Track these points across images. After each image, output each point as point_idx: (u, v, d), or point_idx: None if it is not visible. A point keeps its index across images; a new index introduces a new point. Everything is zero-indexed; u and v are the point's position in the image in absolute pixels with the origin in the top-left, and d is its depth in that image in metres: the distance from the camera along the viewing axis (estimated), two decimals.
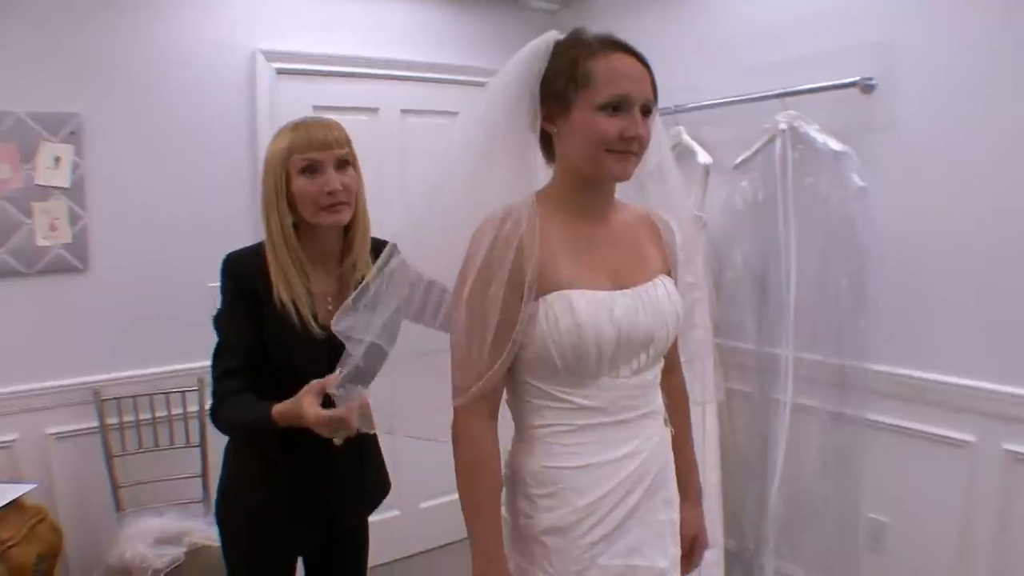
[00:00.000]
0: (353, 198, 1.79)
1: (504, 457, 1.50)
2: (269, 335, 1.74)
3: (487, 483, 1.43)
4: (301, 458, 1.74)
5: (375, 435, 1.90)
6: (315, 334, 1.74)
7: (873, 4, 2.64)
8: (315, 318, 1.75)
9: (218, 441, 2.92)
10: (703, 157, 3.08)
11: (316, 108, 3.18)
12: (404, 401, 1.61)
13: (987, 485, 2.45)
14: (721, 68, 3.12)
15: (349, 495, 1.90)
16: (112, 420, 2.85)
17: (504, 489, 1.50)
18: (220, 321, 1.81)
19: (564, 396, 1.43)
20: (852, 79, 2.63)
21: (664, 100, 3.17)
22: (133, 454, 2.89)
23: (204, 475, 2.96)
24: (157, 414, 2.93)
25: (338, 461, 1.81)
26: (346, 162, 1.78)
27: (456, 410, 1.42)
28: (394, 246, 1.54)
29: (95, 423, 2.83)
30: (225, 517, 1.90)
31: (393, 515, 3.53)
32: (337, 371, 1.56)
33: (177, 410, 2.96)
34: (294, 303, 1.74)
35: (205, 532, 2.67)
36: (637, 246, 1.54)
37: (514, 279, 1.36)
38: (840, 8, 2.73)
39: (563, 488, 1.43)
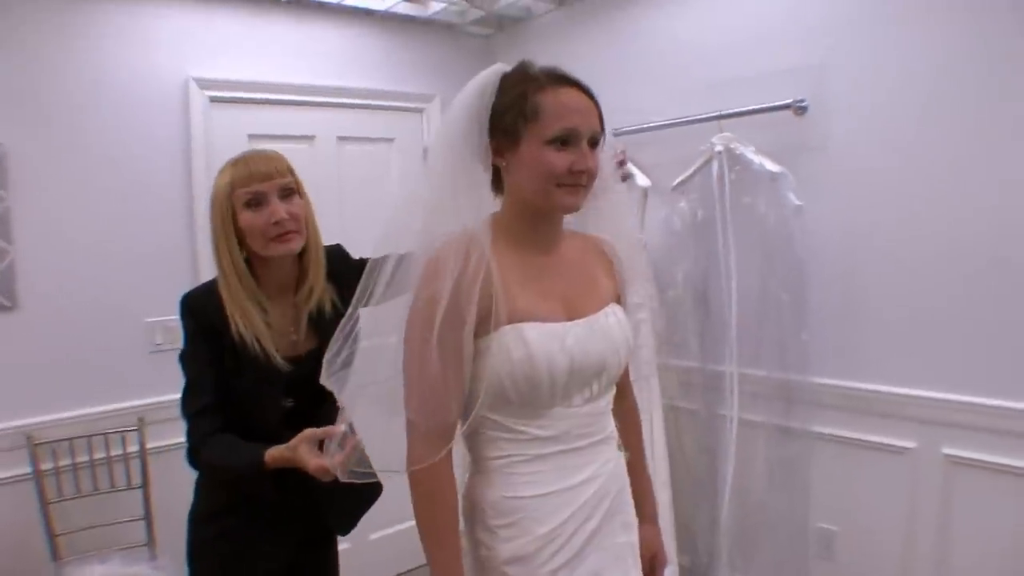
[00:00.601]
0: (303, 225, 1.78)
1: (460, 489, 1.49)
2: (231, 369, 1.72)
3: (446, 513, 1.42)
4: (288, 486, 1.69)
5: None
6: (278, 366, 1.73)
7: (805, 29, 2.74)
8: (276, 350, 1.74)
9: (162, 481, 2.86)
10: (641, 179, 3.14)
11: (251, 137, 3.14)
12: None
13: (929, 489, 2.54)
14: (656, 90, 3.19)
15: (339, 498, 1.84)
16: (47, 465, 2.72)
17: (463, 521, 1.50)
18: (185, 359, 1.79)
19: (519, 427, 1.43)
20: (785, 101, 2.72)
21: None
22: (70, 499, 2.76)
23: (148, 517, 2.85)
24: (95, 456, 2.81)
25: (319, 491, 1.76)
26: (291, 190, 1.76)
27: (413, 443, 1.41)
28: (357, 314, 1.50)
29: (28, 469, 2.70)
30: (199, 558, 1.86)
31: (343, 548, 3.44)
32: (340, 425, 1.54)
33: (117, 451, 2.85)
34: (256, 337, 1.72)
35: None
36: (587, 274, 1.56)
37: (479, 313, 1.36)
38: (773, 32, 2.82)
39: (523, 518, 1.43)
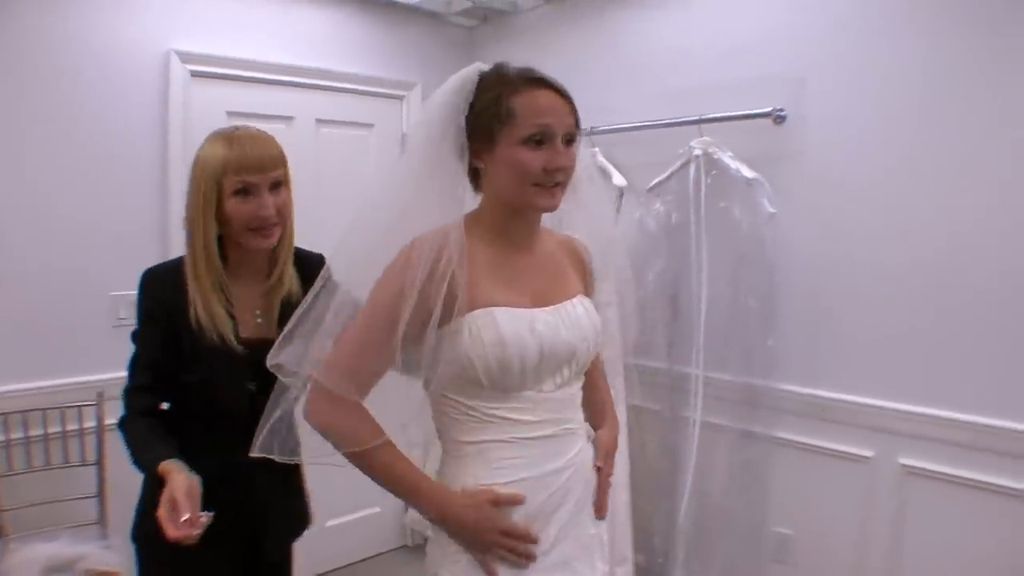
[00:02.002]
0: (284, 219, 1.74)
1: (433, 476, 1.49)
2: (188, 351, 1.69)
3: (362, 434, 1.41)
4: (226, 489, 1.63)
5: (299, 464, 1.84)
6: (236, 350, 1.70)
7: (786, 40, 2.78)
8: (236, 334, 1.71)
9: (118, 458, 2.79)
10: (617, 179, 3.15)
11: (230, 114, 3.09)
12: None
13: (884, 497, 2.59)
14: (637, 92, 3.21)
15: (273, 525, 1.84)
16: None
17: None
18: (136, 337, 1.77)
19: (490, 411, 1.44)
20: (765, 110, 2.76)
21: (580, 121, 3.28)
22: (21, 474, 2.69)
23: (101, 495, 2.79)
24: (50, 430, 2.74)
25: (264, 491, 1.78)
26: (280, 183, 1.72)
27: (319, 402, 1.41)
28: (329, 273, 1.50)
29: None
30: (144, 539, 1.81)
31: None
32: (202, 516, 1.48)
33: (72, 426, 2.78)
34: (213, 325, 1.68)
35: (102, 557, 2.51)
36: (558, 271, 1.58)
37: (444, 304, 1.38)
38: (755, 42, 2.86)
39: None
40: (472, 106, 1.43)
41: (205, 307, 1.68)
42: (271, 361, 1.46)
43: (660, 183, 3.05)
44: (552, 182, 1.42)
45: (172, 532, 1.44)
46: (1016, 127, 2.27)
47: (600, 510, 1.59)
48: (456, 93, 1.44)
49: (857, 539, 2.66)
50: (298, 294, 1.77)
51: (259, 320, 1.77)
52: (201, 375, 1.69)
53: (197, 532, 1.46)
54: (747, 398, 2.86)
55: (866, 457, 2.63)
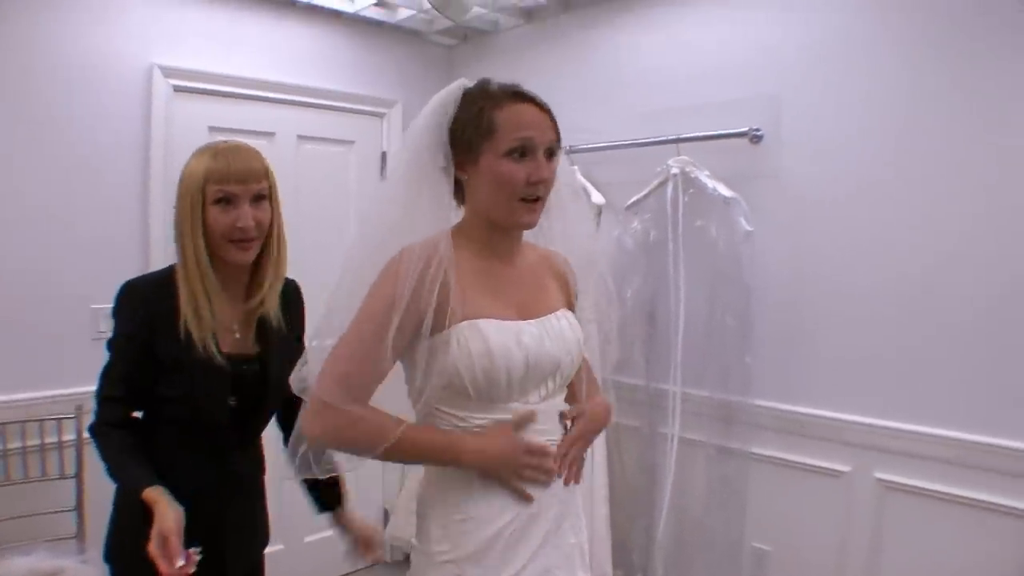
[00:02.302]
0: (264, 233, 1.75)
1: (415, 484, 1.52)
2: (170, 363, 1.69)
3: (386, 428, 1.41)
4: (200, 501, 1.67)
5: (262, 481, 1.95)
6: (219, 363, 1.71)
7: (762, 60, 2.83)
8: (217, 347, 1.72)
9: (97, 472, 2.79)
10: (596, 197, 3.18)
11: (212, 129, 3.12)
12: None
13: (861, 511, 2.62)
14: (615, 111, 3.26)
15: (242, 539, 1.87)
16: None
17: (417, 518, 1.53)
18: (112, 346, 1.75)
19: (476, 422, 1.46)
20: (742, 130, 2.81)
21: None
22: None
23: (79, 509, 2.77)
24: (28, 443, 2.73)
25: (236, 504, 1.82)
26: (262, 196, 1.74)
27: (316, 420, 1.41)
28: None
29: None
30: (119, 560, 1.82)
31: (277, 548, 3.40)
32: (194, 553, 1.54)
33: (51, 439, 2.77)
34: (201, 336, 1.69)
35: (80, 571, 2.49)
36: (540, 284, 1.61)
37: (434, 313, 1.41)
38: (732, 62, 2.91)
39: (479, 513, 1.45)
40: (456, 120, 1.47)
41: (196, 316, 1.68)
42: (297, 386, 1.48)
43: (638, 201, 3.09)
44: (534, 195, 1.46)
45: (166, 570, 1.49)
46: (994, 143, 2.32)
47: (570, 471, 1.56)
48: (441, 108, 1.48)
49: (835, 554, 2.68)
50: (277, 316, 1.82)
51: (237, 336, 1.78)
52: (183, 387, 1.70)
53: (191, 571, 1.50)
54: (725, 414, 2.89)
55: (843, 472, 2.66)
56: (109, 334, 1.75)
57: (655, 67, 3.17)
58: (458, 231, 1.52)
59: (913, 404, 2.50)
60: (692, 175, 2.93)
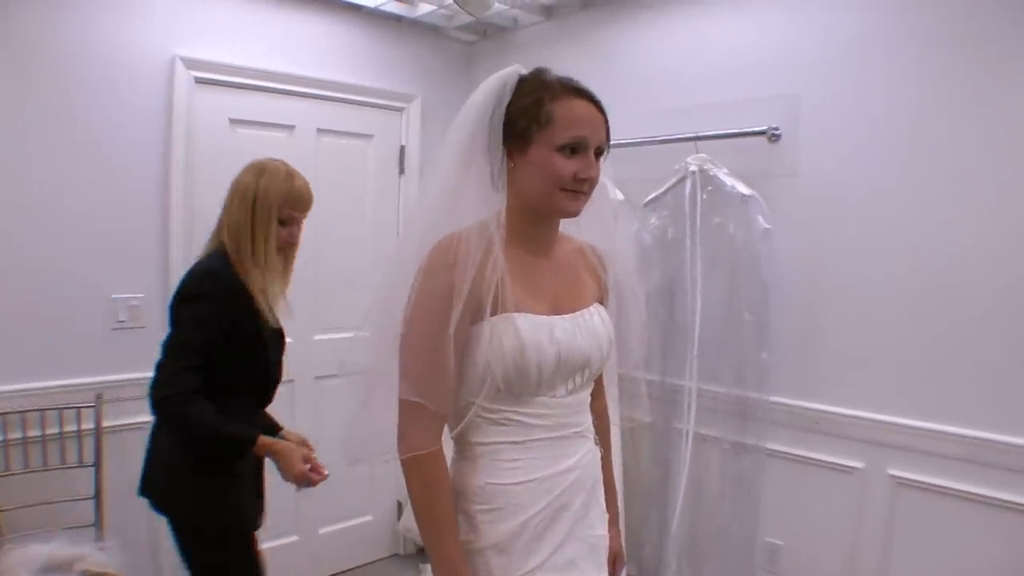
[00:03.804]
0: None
1: None
2: (251, 333, 2.10)
3: (445, 498, 1.45)
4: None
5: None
6: (278, 329, 2.24)
7: (781, 59, 2.85)
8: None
9: (115, 461, 2.82)
10: (614, 194, 3.19)
11: (233, 121, 3.14)
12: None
13: (874, 508, 2.64)
14: (634, 109, 3.25)
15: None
16: None
17: None
18: (192, 324, 2.04)
19: (505, 414, 1.47)
20: (760, 128, 2.83)
21: None
22: (17, 474, 2.69)
23: (98, 497, 2.79)
24: (48, 431, 2.74)
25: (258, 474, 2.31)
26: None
27: (416, 429, 1.44)
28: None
29: None
30: (155, 488, 2.18)
31: (291, 540, 3.44)
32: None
33: (71, 427, 2.78)
34: (271, 308, 2.14)
35: (99, 558, 2.51)
36: (575, 276, 1.61)
37: (489, 302, 1.42)
38: (751, 61, 2.93)
39: (506, 504, 1.46)
40: (511, 106, 1.46)
41: (269, 296, 2.13)
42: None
43: (656, 198, 3.10)
44: (580, 189, 1.46)
45: (320, 478, 2.12)
46: (1013, 144, 2.34)
47: None
48: (497, 92, 1.48)
49: (847, 550, 2.71)
50: None
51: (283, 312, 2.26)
52: (262, 351, 2.17)
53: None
54: (739, 410, 2.91)
55: (856, 468, 2.68)
56: (188, 314, 2.04)
57: (674, 65, 3.19)
58: (503, 219, 1.50)
59: (927, 401, 2.52)
60: (710, 173, 2.95)
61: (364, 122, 3.54)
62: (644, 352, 1.79)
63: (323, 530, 3.52)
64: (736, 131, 2.89)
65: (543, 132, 1.44)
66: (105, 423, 2.84)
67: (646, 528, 3.18)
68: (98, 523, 2.78)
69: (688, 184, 2.99)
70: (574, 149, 1.44)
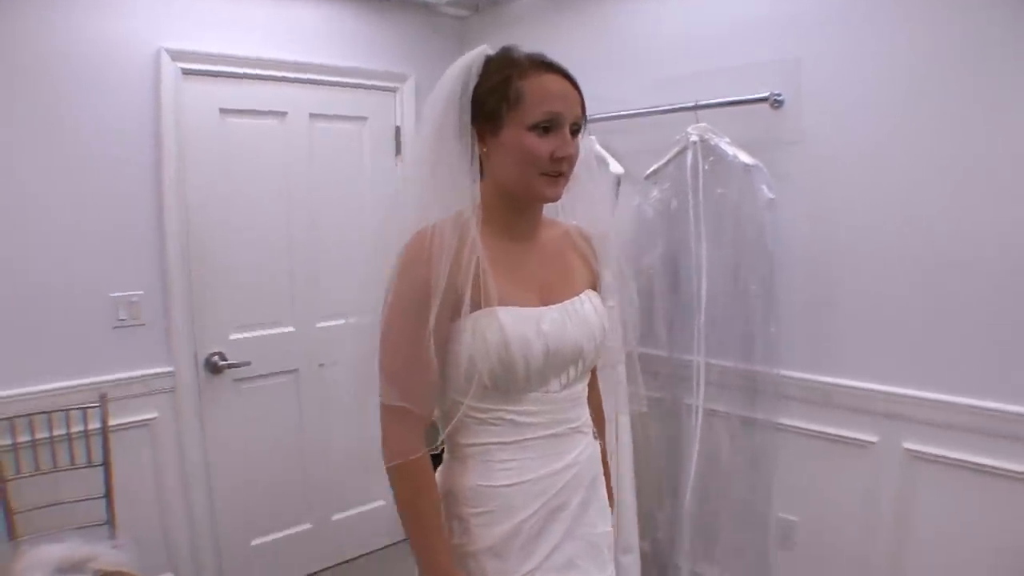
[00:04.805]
0: None
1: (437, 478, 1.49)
2: None
3: (432, 504, 1.42)
4: None
5: None
6: None
7: (783, 23, 2.74)
8: None
9: (123, 459, 2.83)
10: (614, 167, 3.11)
11: (223, 111, 3.10)
12: None
13: (888, 482, 2.58)
14: (633, 79, 3.18)
15: None
16: (5, 441, 2.65)
17: None
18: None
19: (495, 413, 1.43)
20: (762, 95, 2.72)
21: None
22: (29, 476, 2.70)
23: (108, 496, 2.80)
24: (55, 432, 2.75)
25: None
26: None
27: (400, 434, 1.40)
28: None
29: None
30: None
31: (305, 528, 3.45)
32: None
33: (77, 428, 2.78)
34: None
35: (112, 557, 2.52)
36: (564, 262, 1.56)
37: (468, 295, 1.37)
38: (751, 25, 2.82)
39: (499, 506, 1.43)
40: (478, 88, 1.40)
41: None
42: None
43: (657, 170, 3.02)
44: (556, 171, 1.40)
45: None
46: (1022, 107, 2.24)
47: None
48: (462, 76, 1.41)
49: (862, 525, 2.66)
50: None
51: None
52: None
53: None
54: (750, 385, 2.85)
55: (870, 442, 2.62)
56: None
57: (672, 32, 3.08)
58: (479, 207, 1.46)
59: (943, 372, 2.44)
60: (712, 142, 2.86)
61: (357, 105, 3.47)
62: (635, 336, 1.74)
63: (336, 516, 3.53)
64: (737, 99, 2.79)
65: (514, 112, 1.37)
66: (111, 422, 2.84)
67: (659, 506, 3.15)
68: (110, 521, 2.80)
69: (689, 155, 2.90)
70: (547, 127, 1.37)
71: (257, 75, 3.17)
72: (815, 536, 2.80)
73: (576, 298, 1.50)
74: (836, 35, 2.61)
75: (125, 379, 2.91)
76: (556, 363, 1.43)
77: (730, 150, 2.82)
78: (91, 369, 2.84)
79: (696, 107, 2.87)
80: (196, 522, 3.13)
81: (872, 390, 2.60)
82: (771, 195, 2.74)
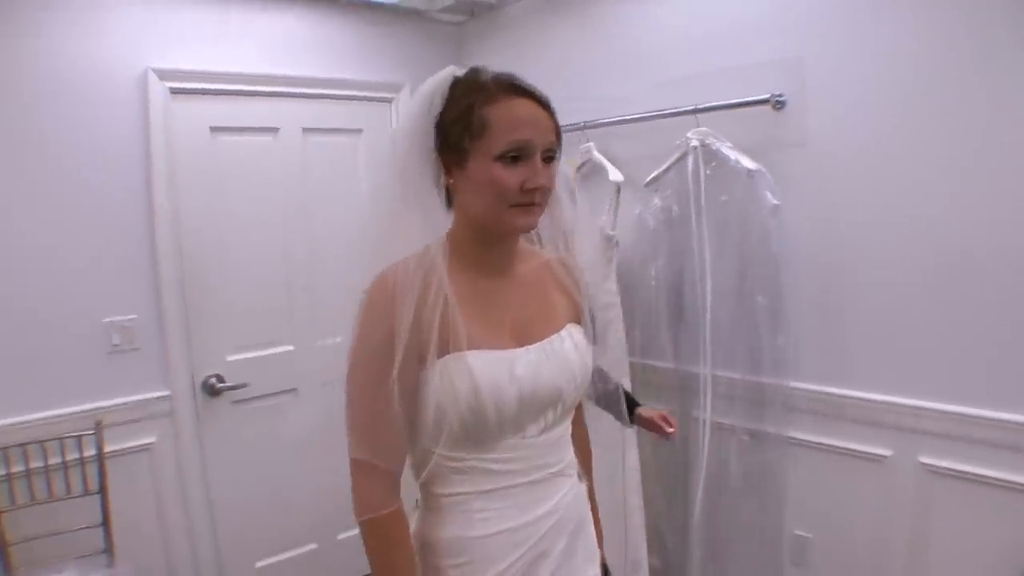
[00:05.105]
0: None
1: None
2: None
3: (406, 560, 1.34)
4: None
5: None
6: None
7: (782, 21, 2.63)
8: None
9: (121, 486, 2.79)
10: (614, 175, 3.01)
11: (214, 129, 3.05)
12: None
13: (904, 497, 2.48)
14: (631, 83, 3.08)
15: None
16: None
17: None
18: None
19: (469, 461, 1.35)
20: (763, 96, 2.62)
21: (574, 115, 3.12)
22: (24, 507, 2.66)
23: (106, 524, 2.76)
24: (50, 461, 2.70)
25: None
26: None
27: (369, 488, 1.33)
28: None
29: None
30: None
31: (310, 548, 3.41)
32: None
33: (73, 456, 2.74)
34: None
35: None
36: (543, 297, 1.46)
37: (435, 339, 1.29)
38: (750, 25, 2.72)
39: (477, 557, 1.35)
40: (443, 116, 1.31)
41: None
42: None
43: (657, 177, 2.93)
44: (530, 201, 1.30)
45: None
46: None
47: None
48: (427, 103, 1.32)
49: (877, 541, 2.56)
50: None
51: None
52: None
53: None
54: (758, 397, 2.74)
55: (884, 456, 2.51)
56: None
57: (670, 34, 2.98)
58: (446, 243, 1.37)
59: (958, 383, 2.33)
60: (713, 147, 2.76)
61: (352, 117, 3.41)
62: (620, 373, 1.65)
63: (342, 536, 3.47)
64: (738, 101, 2.68)
65: (479, 141, 1.27)
66: (109, 448, 2.80)
67: (668, 521, 3.06)
68: (108, 550, 2.76)
69: (690, 160, 2.81)
70: (516, 156, 1.27)
71: (247, 91, 3.12)
72: (829, 553, 2.70)
73: (556, 336, 1.41)
74: (840, 31, 2.50)
75: (122, 404, 2.87)
76: (532, 408, 1.34)
77: (732, 155, 2.72)
78: (86, 396, 2.80)
79: (696, 110, 2.78)
80: (199, 546, 3.10)
81: (885, 402, 2.49)
82: (775, 201, 2.64)
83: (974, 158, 2.24)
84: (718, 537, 2.86)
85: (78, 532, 2.73)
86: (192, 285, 3.02)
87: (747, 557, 2.83)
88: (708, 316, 2.79)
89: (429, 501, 1.41)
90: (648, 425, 2.32)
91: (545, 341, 1.39)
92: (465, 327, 1.30)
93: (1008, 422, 2.22)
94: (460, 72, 1.35)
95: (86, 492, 2.78)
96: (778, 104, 2.64)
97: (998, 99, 2.17)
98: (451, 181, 1.34)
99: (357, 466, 1.32)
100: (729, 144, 2.73)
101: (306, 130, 3.29)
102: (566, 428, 1.46)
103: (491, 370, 1.29)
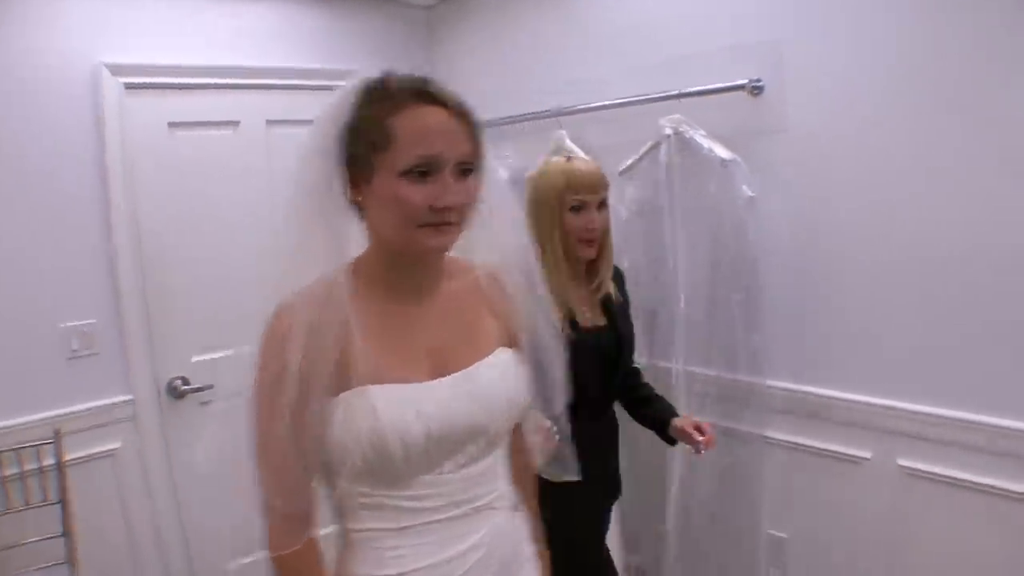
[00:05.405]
0: (599, 236, 2.14)
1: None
2: None
3: (293, 541, 1.26)
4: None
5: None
6: (580, 339, 2.02)
7: (759, 3, 2.52)
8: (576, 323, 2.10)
9: (82, 494, 2.72)
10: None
11: (172, 125, 2.95)
12: None
13: (882, 500, 2.40)
14: (606, 68, 2.97)
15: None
16: None
17: None
18: None
19: (379, 497, 1.25)
20: (740, 82, 2.50)
21: (546, 101, 3.00)
22: None
23: (68, 534, 2.70)
24: (7, 472, 2.64)
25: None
26: (604, 203, 2.15)
27: (274, 528, 1.25)
28: None
29: None
30: None
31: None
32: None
33: (31, 465, 2.67)
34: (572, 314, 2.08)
35: None
36: (467, 320, 1.36)
37: (337, 372, 1.19)
38: (725, 7, 2.60)
39: None
40: (348, 128, 1.19)
41: (561, 301, 2.00)
42: None
43: (631, 166, 2.82)
44: (441, 221, 1.19)
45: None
46: (1019, 87, 1.99)
47: None
48: (333, 116, 1.21)
49: (854, 543, 2.49)
50: (617, 297, 2.25)
51: (588, 315, 2.16)
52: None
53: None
54: (734, 395, 2.66)
55: (864, 458, 2.43)
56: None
57: (645, 19, 2.86)
58: (357, 268, 1.27)
59: (940, 385, 2.24)
60: (687, 136, 2.64)
61: (319, 107, 3.28)
62: (564, 401, 1.53)
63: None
64: (714, 87, 2.56)
65: (384, 155, 1.16)
66: (67, 456, 2.73)
67: (642, 520, 2.98)
68: (71, 559, 2.70)
69: (663, 149, 2.70)
70: (424, 172, 1.16)
71: (206, 84, 3.01)
72: (805, 554, 2.64)
73: (479, 364, 1.31)
74: (820, 14, 2.38)
75: (83, 411, 2.80)
76: (445, 446, 1.24)
77: (705, 143, 2.60)
78: (45, 404, 2.73)
79: (670, 96, 2.66)
80: (167, 551, 3.04)
81: (864, 403, 2.41)
82: (751, 193, 2.53)
83: (963, 147, 2.12)
84: (693, 537, 2.78)
85: (39, 543, 2.67)
86: (153, 286, 2.94)
87: (722, 556, 2.76)
88: (682, 311, 2.69)
89: (345, 536, 1.32)
90: (684, 436, 2.20)
91: (464, 372, 1.29)
92: (372, 358, 1.20)
93: (989, 425, 2.14)
94: (372, 78, 1.24)
95: (46, 502, 2.71)
96: (755, 90, 2.52)
97: (984, 85, 2.06)
98: (359, 199, 1.23)
99: (263, 504, 1.25)
100: (703, 132, 2.62)
101: (270, 122, 3.18)
102: (494, 460, 1.36)
103: (396, 407, 1.19)
